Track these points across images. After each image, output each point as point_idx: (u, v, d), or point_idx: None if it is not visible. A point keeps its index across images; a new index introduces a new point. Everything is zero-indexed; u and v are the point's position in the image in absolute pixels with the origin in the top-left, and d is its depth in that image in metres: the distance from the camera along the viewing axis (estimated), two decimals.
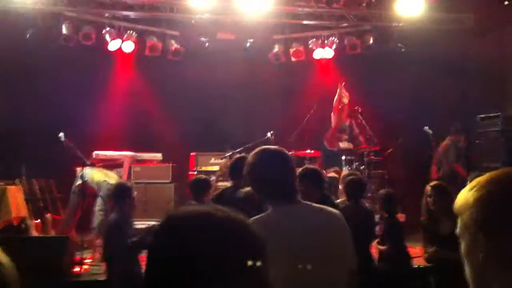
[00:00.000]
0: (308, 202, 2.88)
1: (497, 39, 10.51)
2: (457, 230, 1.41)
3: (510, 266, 1.30)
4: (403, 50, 10.93)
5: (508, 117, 9.42)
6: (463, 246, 1.39)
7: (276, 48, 11.32)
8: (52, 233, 7.42)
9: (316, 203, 2.96)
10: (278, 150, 2.91)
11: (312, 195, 4.64)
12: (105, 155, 9.41)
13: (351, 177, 6.07)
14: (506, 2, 8.23)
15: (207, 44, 10.86)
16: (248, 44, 11.02)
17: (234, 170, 5.29)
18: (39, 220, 7.58)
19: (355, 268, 2.86)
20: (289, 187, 2.83)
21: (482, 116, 9.64)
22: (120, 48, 10.55)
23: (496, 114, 9.43)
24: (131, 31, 10.65)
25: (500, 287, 1.32)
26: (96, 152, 9.35)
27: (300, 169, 4.84)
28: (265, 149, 2.93)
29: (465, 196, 1.39)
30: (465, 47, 10.93)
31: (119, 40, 10.50)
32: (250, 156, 2.91)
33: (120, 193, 5.43)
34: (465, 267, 1.39)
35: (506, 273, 1.31)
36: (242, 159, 5.16)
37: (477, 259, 1.33)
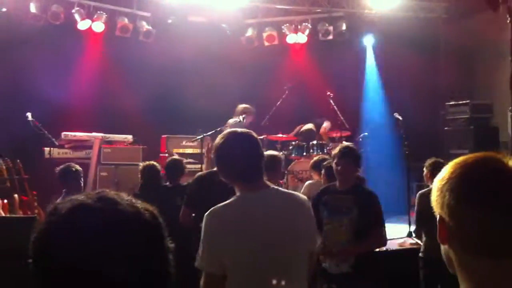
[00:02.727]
0: (275, 187, 2.90)
1: (468, 27, 10.66)
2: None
3: (468, 248, 1.34)
4: (372, 37, 11.01)
5: (476, 104, 9.59)
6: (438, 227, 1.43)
7: (249, 32, 11.27)
8: (20, 213, 7.29)
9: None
10: (246, 134, 2.88)
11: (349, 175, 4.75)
12: (74, 136, 9.27)
13: None
14: None
15: (177, 26, 10.73)
16: (225, 27, 10.94)
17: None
18: (6, 201, 7.44)
19: (315, 251, 2.98)
20: (256, 172, 2.82)
21: (451, 103, 9.79)
22: (89, 28, 10.36)
23: (465, 101, 9.59)
24: (101, 11, 10.46)
25: (459, 267, 1.37)
26: (64, 133, 9.20)
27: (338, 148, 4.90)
28: (233, 132, 2.91)
29: (436, 179, 1.43)
30: (436, 35, 11.06)
31: (89, 20, 10.30)
32: (218, 139, 2.90)
33: (64, 175, 5.32)
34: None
35: (464, 255, 1.35)
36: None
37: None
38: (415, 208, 5.92)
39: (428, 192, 4.87)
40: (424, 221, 5.76)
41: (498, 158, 1.39)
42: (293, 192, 3.00)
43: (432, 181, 5.77)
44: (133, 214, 1.16)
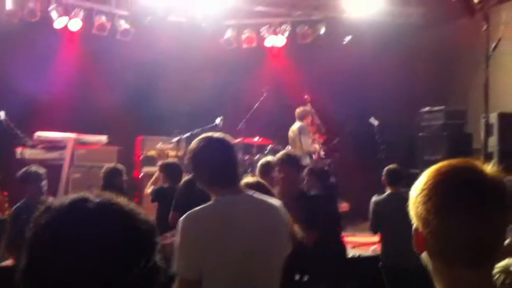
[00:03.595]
0: (250, 193, 2.87)
1: (445, 34, 10.77)
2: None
3: (444, 257, 1.36)
4: (351, 41, 11.06)
5: (450, 111, 9.68)
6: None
7: (228, 34, 11.23)
8: None
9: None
10: (222, 139, 2.88)
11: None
12: (47, 137, 9.12)
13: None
14: None
15: (156, 26, 10.64)
16: (205, 27, 10.88)
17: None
18: None
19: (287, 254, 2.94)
20: (231, 177, 2.83)
21: (426, 109, 9.87)
22: (66, 26, 10.21)
23: (439, 108, 9.68)
24: (78, 9, 10.32)
25: (436, 275, 1.39)
26: (37, 133, 9.05)
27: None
28: (208, 137, 2.90)
29: (413, 188, 1.44)
30: (413, 41, 11.15)
31: (66, 18, 10.16)
32: (193, 144, 2.89)
33: (23, 179, 5.22)
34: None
35: (441, 264, 1.37)
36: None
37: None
38: (370, 215, 5.94)
39: (383, 199, 4.92)
40: (380, 229, 5.82)
41: (472, 166, 1.40)
42: (268, 197, 2.99)
43: (389, 188, 5.91)
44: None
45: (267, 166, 5.34)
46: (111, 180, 5.78)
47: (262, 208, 2.84)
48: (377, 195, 6.06)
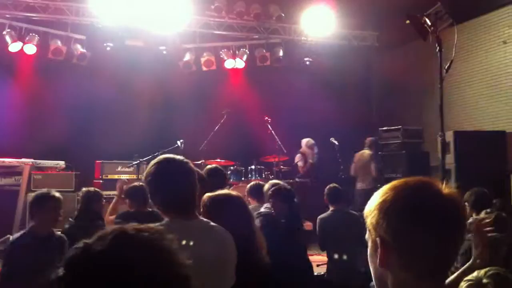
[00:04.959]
0: (204, 219, 2.79)
1: (399, 56, 11.08)
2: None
3: (411, 270, 1.38)
4: (309, 63, 11.24)
5: (408, 129, 9.91)
6: (368, 248, 1.47)
7: (187, 57, 11.24)
8: None
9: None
10: (179, 161, 2.76)
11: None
12: (3, 162, 8.86)
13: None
14: (408, 21, 8.66)
15: (114, 50, 10.55)
16: (164, 51, 10.85)
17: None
18: None
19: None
20: (187, 201, 2.71)
21: (384, 128, 10.07)
22: (21, 51, 10.03)
23: (397, 127, 9.89)
24: (33, 34, 10.16)
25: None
26: None
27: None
28: (165, 158, 2.77)
29: (371, 201, 1.46)
30: (369, 62, 11.42)
31: (20, 43, 9.98)
32: (150, 165, 2.77)
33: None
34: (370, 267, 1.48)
35: (406, 277, 1.39)
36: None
37: (376, 261, 1.42)
38: (318, 233, 6.09)
39: (327, 216, 4.94)
40: (327, 245, 5.95)
41: (433, 183, 1.45)
42: (217, 225, 2.81)
43: (331, 206, 6.10)
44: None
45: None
46: (90, 204, 5.60)
47: (214, 236, 2.72)
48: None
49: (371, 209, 1.44)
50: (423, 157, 9.60)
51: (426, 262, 1.37)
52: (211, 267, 2.56)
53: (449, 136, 8.30)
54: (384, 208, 1.41)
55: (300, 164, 10.38)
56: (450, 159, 8.22)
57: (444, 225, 1.37)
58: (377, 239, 1.41)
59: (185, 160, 2.80)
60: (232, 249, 2.79)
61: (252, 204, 6.73)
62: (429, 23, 8.46)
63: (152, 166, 2.73)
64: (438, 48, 7.95)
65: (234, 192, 3.52)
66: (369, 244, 1.47)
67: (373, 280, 1.46)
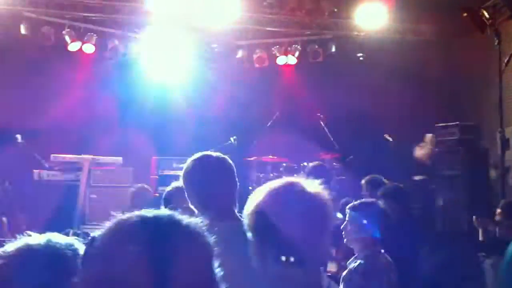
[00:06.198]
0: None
1: (456, 50, 10.80)
2: None
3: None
4: (362, 59, 11.11)
5: (465, 126, 9.64)
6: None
7: (239, 54, 11.32)
8: (8, 236, 7.21)
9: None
10: (220, 159, 2.65)
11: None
12: (64, 158, 9.20)
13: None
14: (465, 14, 8.45)
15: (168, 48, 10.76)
16: (216, 49, 10.98)
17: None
18: None
19: None
20: (226, 201, 2.57)
21: (440, 125, 9.84)
22: (80, 50, 10.36)
23: (454, 123, 9.65)
24: (91, 33, 10.48)
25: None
26: (54, 155, 9.13)
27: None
28: (205, 155, 2.66)
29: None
30: (425, 57, 11.18)
31: (79, 42, 10.32)
32: (188, 162, 2.67)
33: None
34: None
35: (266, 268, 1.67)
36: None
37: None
38: None
39: None
40: None
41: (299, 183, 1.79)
42: None
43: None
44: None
45: None
46: (141, 201, 5.80)
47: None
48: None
49: (247, 209, 1.77)
50: (481, 154, 9.32)
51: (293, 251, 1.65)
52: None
53: (509, 132, 8.06)
54: (253, 210, 1.74)
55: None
56: (510, 155, 7.98)
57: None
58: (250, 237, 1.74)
59: (222, 156, 2.69)
60: None
61: None
62: (487, 16, 8.27)
63: (190, 163, 2.65)
64: (496, 41, 7.75)
65: None
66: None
67: None
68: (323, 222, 1.72)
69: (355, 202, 3.59)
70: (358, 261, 3.30)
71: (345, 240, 3.49)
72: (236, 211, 2.58)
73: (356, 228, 3.41)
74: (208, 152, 2.72)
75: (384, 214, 3.54)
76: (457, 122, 9.59)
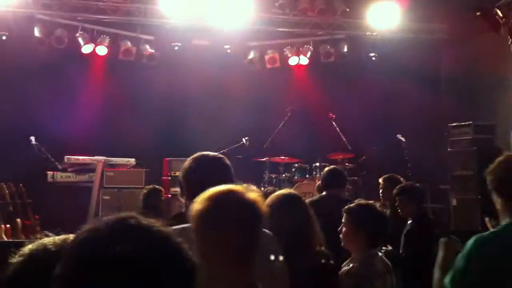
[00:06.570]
0: None
1: (470, 49, 10.70)
2: None
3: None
4: (374, 59, 11.07)
5: (479, 125, 9.56)
6: None
7: (252, 55, 11.33)
8: (22, 238, 7.26)
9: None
10: (217, 158, 2.71)
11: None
12: (77, 160, 9.27)
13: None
14: (478, 13, 8.38)
15: (181, 49, 10.80)
16: (228, 50, 11.00)
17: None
18: (8, 225, 7.41)
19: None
20: None
21: (454, 124, 9.77)
22: (93, 52, 10.43)
23: (467, 123, 9.57)
24: (105, 35, 10.54)
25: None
26: (67, 156, 9.20)
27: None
28: (203, 155, 2.72)
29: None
30: (438, 56, 11.10)
31: (92, 44, 10.38)
32: (187, 161, 2.73)
33: None
34: None
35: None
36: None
37: None
38: None
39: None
40: None
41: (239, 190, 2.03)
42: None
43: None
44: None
45: None
46: (148, 200, 5.88)
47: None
48: None
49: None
50: (495, 154, 9.10)
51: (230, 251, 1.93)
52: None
53: None
54: (197, 214, 2.03)
55: None
56: None
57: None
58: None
59: (219, 156, 2.76)
60: (276, 248, 2.67)
61: None
62: (501, 15, 8.19)
63: (189, 162, 2.71)
64: (510, 40, 7.68)
65: (294, 191, 3.49)
66: None
67: None
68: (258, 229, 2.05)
69: (351, 204, 3.54)
70: (351, 264, 3.25)
71: (341, 243, 3.45)
72: None
73: (352, 230, 3.37)
74: (206, 152, 2.79)
75: (381, 216, 3.49)
76: (471, 122, 9.52)
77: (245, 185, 2.20)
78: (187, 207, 2.63)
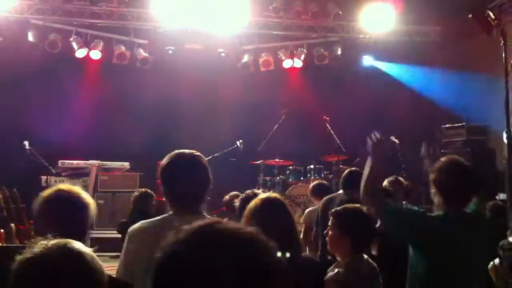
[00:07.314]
0: (208, 217, 2.70)
1: (462, 51, 10.75)
2: None
3: None
4: (369, 60, 11.11)
5: (472, 127, 9.60)
6: None
7: (246, 58, 11.34)
8: (16, 243, 7.25)
9: None
10: (192, 156, 2.73)
11: None
12: (71, 164, 9.26)
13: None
14: (471, 15, 8.42)
15: (174, 53, 10.81)
16: (222, 54, 11.01)
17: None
18: (2, 230, 7.39)
19: None
20: (190, 195, 2.68)
21: (447, 126, 9.81)
22: (87, 56, 10.43)
23: (461, 124, 9.61)
24: (98, 39, 10.54)
25: None
26: (61, 161, 9.19)
27: None
28: (179, 153, 2.75)
29: None
30: (431, 58, 11.14)
31: (86, 49, 10.38)
32: (165, 159, 2.76)
33: None
34: None
35: None
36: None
37: None
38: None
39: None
40: None
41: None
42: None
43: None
44: None
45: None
46: (138, 204, 5.89)
47: None
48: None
49: None
50: (488, 155, 9.27)
51: None
52: None
53: None
54: None
55: None
56: None
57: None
58: None
59: (197, 154, 2.77)
60: None
61: (315, 203, 6.74)
62: (493, 17, 8.21)
63: (166, 159, 2.74)
64: (502, 42, 7.70)
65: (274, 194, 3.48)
66: None
67: None
68: None
69: (338, 208, 3.52)
70: (336, 270, 3.23)
71: (328, 246, 3.44)
72: (203, 207, 2.73)
73: (338, 234, 3.35)
74: (183, 150, 2.80)
75: (368, 220, 3.47)
76: (464, 123, 9.56)
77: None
78: (166, 204, 2.76)
